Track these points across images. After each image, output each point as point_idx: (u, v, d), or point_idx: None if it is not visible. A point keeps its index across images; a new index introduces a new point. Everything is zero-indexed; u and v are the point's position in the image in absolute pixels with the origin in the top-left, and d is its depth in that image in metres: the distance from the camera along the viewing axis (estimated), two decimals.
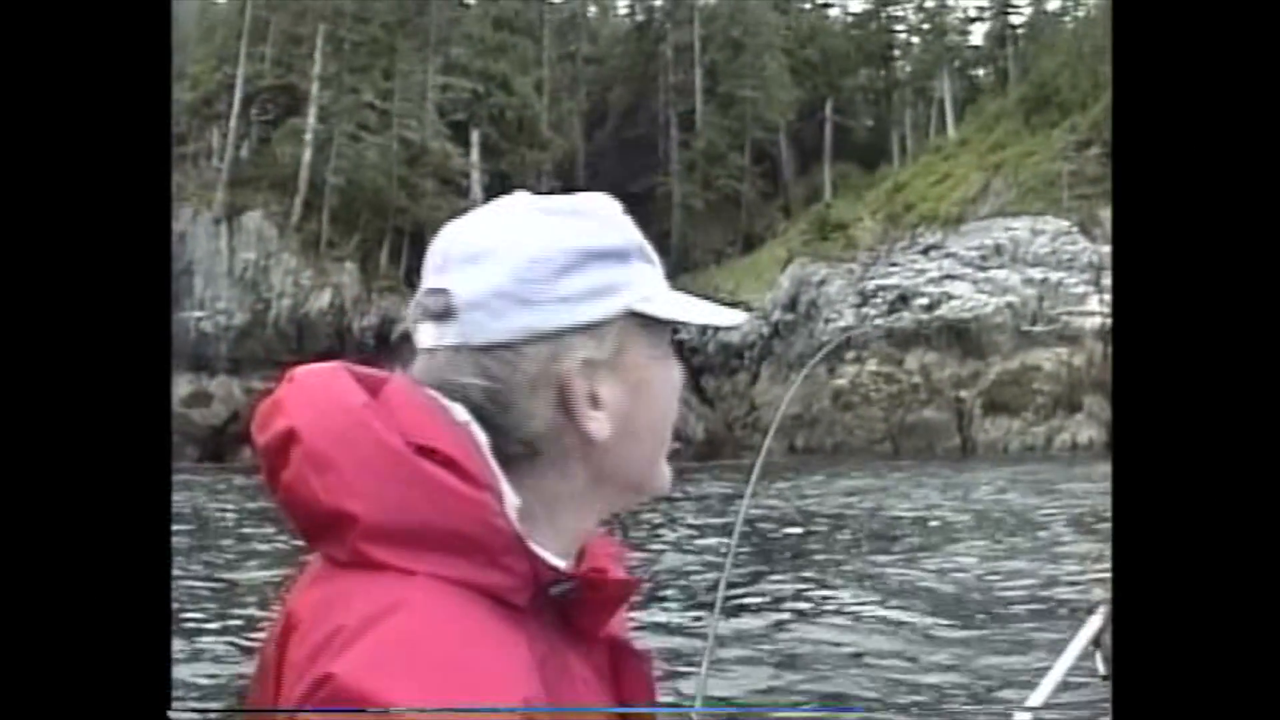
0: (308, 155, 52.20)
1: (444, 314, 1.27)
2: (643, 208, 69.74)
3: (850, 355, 51.28)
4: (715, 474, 38.15)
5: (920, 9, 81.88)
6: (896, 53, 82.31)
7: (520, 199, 1.32)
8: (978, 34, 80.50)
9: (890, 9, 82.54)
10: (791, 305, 55.54)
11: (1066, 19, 75.67)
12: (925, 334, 50.34)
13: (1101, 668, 2.72)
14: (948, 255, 52.28)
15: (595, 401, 1.28)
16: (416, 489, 1.18)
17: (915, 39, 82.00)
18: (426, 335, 1.28)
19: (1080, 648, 2.75)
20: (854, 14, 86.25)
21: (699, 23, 71.65)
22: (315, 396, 1.23)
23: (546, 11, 71.52)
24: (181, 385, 45.68)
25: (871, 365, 50.86)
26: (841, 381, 50.82)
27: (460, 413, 1.25)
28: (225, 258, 51.60)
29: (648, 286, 1.32)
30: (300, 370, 1.27)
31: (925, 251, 53.65)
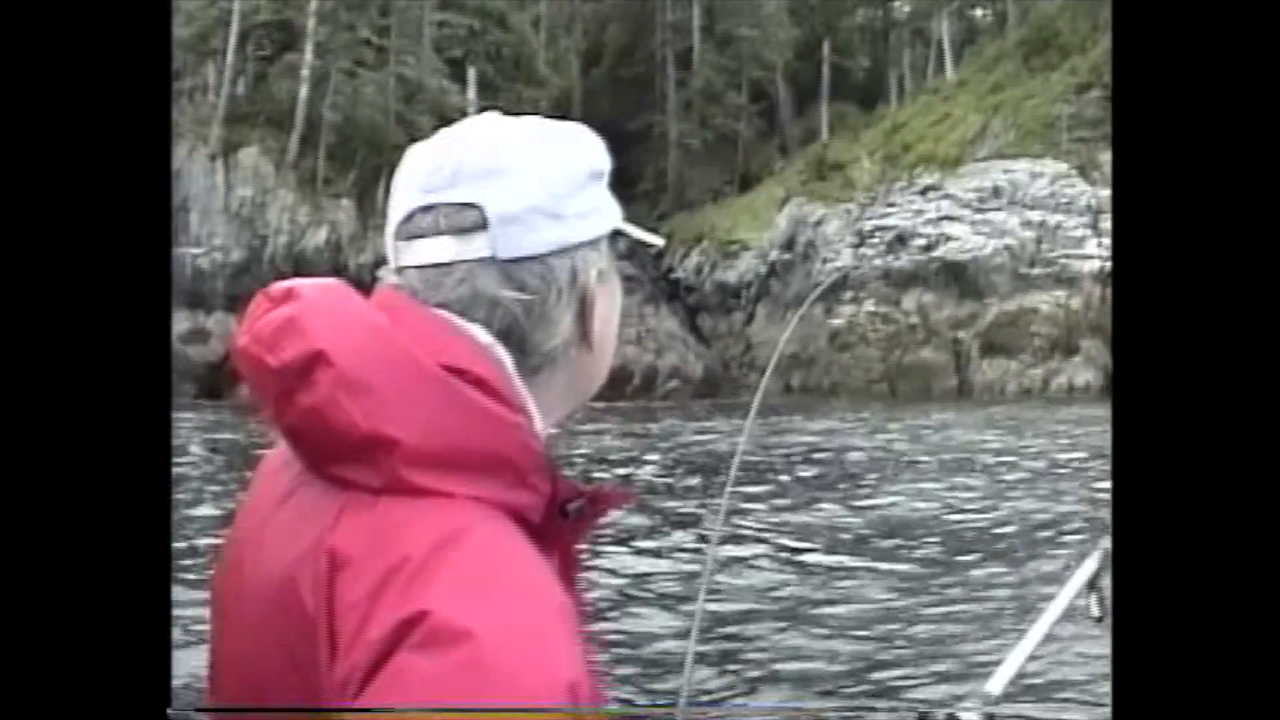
0: (304, 92, 51.94)
1: (472, 228, 1.29)
2: (639, 146, 69.81)
3: (848, 295, 51.47)
4: (709, 412, 38.41)
5: None
6: None
7: (502, 119, 1.38)
8: None
9: None
10: (788, 245, 55.56)
11: None
12: (923, 275, 50.46)
13: (1095, 610, 2.70)
14: (945, 196, 52.26)
15: (596, 313, 1.37)
16: (456, 412, 1.20)
17: None
18: (442, 249, 1.29)
19: (1076, 589, 2.71)
20: None
21: None
22: (337, 317, 1.24)
23: None
24: (179, 322, 45.72)
25: (869, 306, 51.01)
26: (838, 322, 50.97)
27: (481, 334, 1.28)
28: (221, 194, 51.41)
29: (615, 208, 1.41)
30: (303, 285, 1.28)
31: (923, 192, 53.56)
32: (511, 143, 1.34)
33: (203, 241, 50.52)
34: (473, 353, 1.26)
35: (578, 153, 1.38)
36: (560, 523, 1.28)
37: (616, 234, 1.42)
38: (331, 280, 1.30)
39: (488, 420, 1.21)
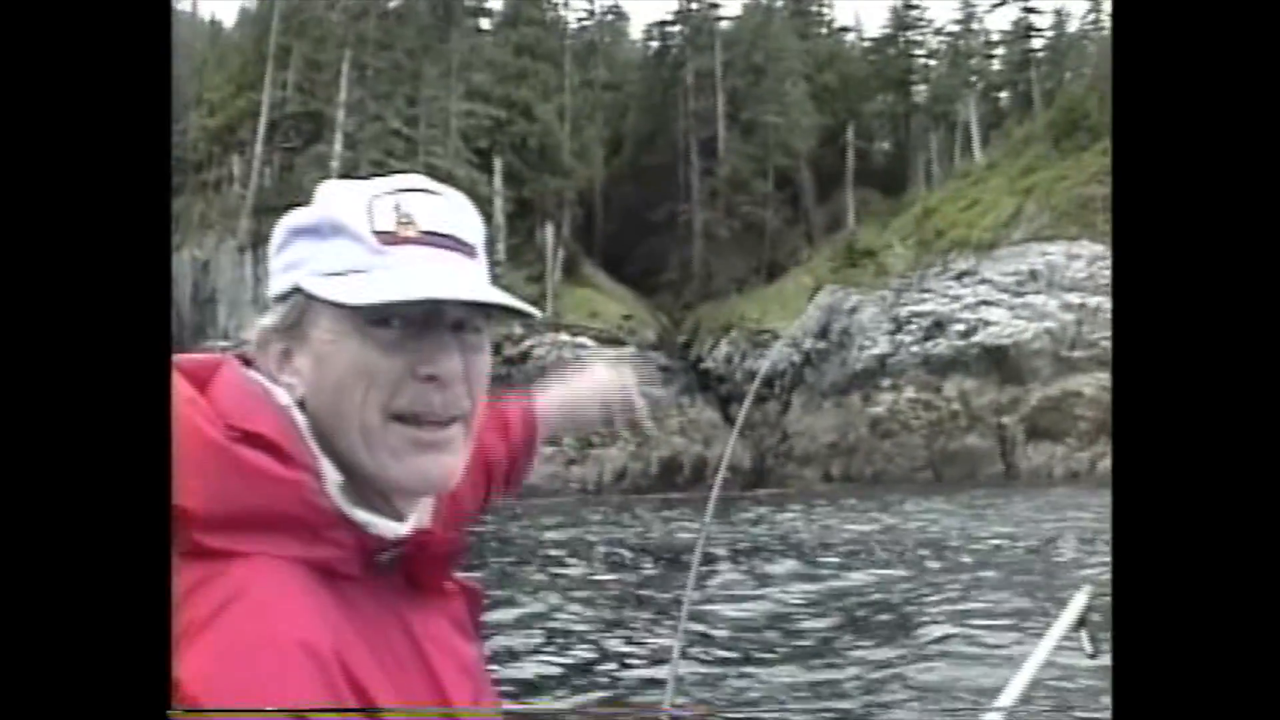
0: None
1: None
2: (663, 236, 70.48)
3: (886, 383, 52.01)
4: (748, 503, 38.68)
5: (939, 33, 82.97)
6: (915, 77, 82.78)
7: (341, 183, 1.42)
8: (999, 58, 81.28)
9: (908, 33, 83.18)
10: (823, 333, 55.98)
11: (1088, 42, 76.81)
12: (963, 360, 51.00)
13: (1088, 646, 2.72)
14: (982, 281, 52.89)
15: (286, 365, 1.34)
16: (237, 477, 1.22)
17: (934, 63, 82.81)
18: (270, 314, 1.37)
19: (1066, 627, 2.74)
20: (872, 39, 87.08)
21: (720, 48, 72.31)
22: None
23: (567, 38, 72.42)
24: None
25: (909, 392, 51.52)
26: (878, 409, 51.52)
27: (282, 395, 1.31)
28: (250, 286, 51.98)
29: (330, 264, 1.32)
30: (187, 360, 1.34)
31: (959, 277, 54.20)
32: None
33: (230, 334, 50.95)
34: (269, 416, 1.28)
35: (300, 213, 1.41)
36: (390, 572, 1.32)
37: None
38: (216, 355, 1.36)
39: (270, 482, 1.23)
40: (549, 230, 59.90)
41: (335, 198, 1.37)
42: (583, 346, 52.97)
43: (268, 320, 1.35)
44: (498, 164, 58.79)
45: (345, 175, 42.91)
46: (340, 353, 1.31)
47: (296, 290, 1.34)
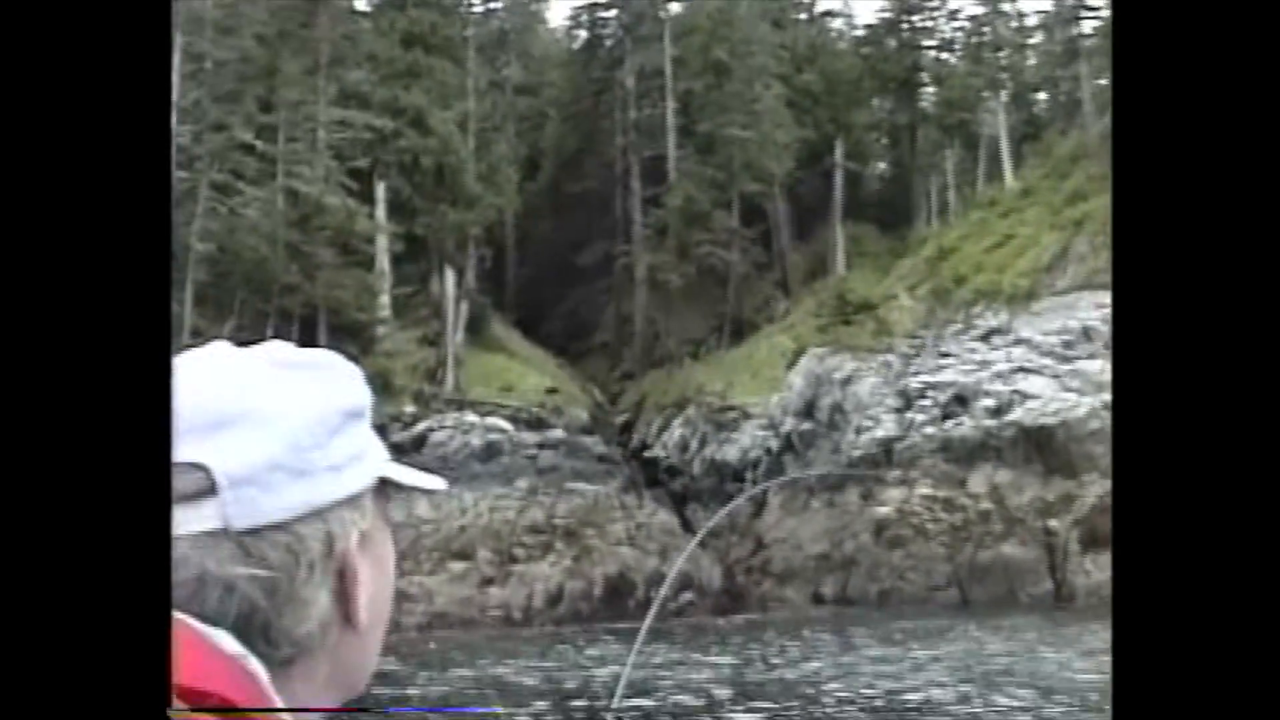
0: None
1: (198, 494, 1.35)
2: (595, 284, 70.15)
3: (894, 475, 51.97)
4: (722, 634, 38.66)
5: (954, 17, 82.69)
6: (923, 76, 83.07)
7: (228, 349, 1.47)
8: (1036, 48, 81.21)
9: (913, 19, 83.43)
10: (808, 410, 56.13)
11: None
12: (994, 446, 51.09)
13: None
14: (1018, 342, 53.09)
15: (360, 587, 1.44)
16: None
17: (948, 57, 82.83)
18: None
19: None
20: (867, 26, 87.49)
21: (669, 39, 72.51)
22: None
23: (470, 24, 72.33)
24: None
25: (924, 488, 51.51)
26: (884, 510, 51.39)
27: (229, 642, 1.34)
28: None
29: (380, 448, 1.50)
30: None
31: (986, 337, 54.62)
32: (244, 383, 1.42)
33: None
34: (221, 670, 1.33)
35: (329, 390, 1.47)
36: None
37: (384, 482, 1.51)
38: None
39: None
40: (448, 277, 59.70)
41: (346, 368, 1.52)
42: (495, 429, 52.67)
43: (355, 529, 1.46)
44: (380, 190, 58.68)
45: (179, 204, 42.16)
46: (387, 551, 1.54)
47: (373, 483, 1.51)
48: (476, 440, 51.96)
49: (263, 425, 1.38)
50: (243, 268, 52.32)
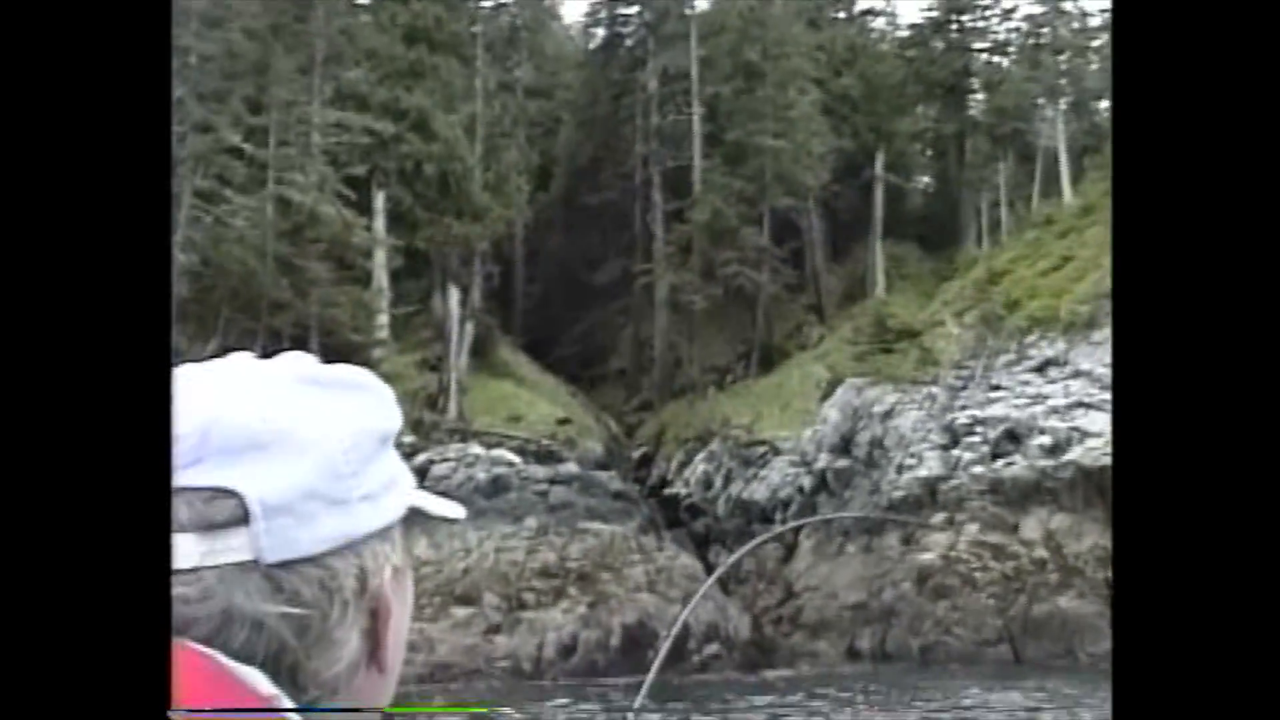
0: None
1: (228, 523, 1.34)
2: (611, 305, 70.37)
3: (939, 518, 51.59)
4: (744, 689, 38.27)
5: (1008, 16, 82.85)
6: (972, 81, 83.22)
7: (249, 361, 1.48)
8: (1099, 50, 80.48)
9: (963, 18, 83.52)
10: (844, 447, 55.94)
11: None
12: (1050, 488, 50.66)
13: None
14: (1076, 374, 52.83)
15: (390, 626, 1.46)
16: None
17: (1001, 60, 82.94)
18: (186, 551, 1.34)
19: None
20: (911, 26, 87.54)
21: (696, 40, 72.46)
22: None
23: (479, 21, 72.48)
24: None
25: (972, 532, 51.04)
26: (928, 557, 50.89)
27: (262, 682, 1.34)
28: None
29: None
30: None
31: (1042, 369, 54.37)
32: (273, 401, 1.41)
33: None
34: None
35: (364, 412, 1.47)
36: None
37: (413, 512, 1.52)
38: None
39: None
40: (451, 296, 59.88)
41: (367, 389, 1.53)
42: (502, 463, 52.40)
43: (389, 563, 1.49)
44: (379, 200, 58.78)
45: None
46: (409, 588, 1.58)
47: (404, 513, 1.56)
48: (481, 474, 51.69)
49: (298, 450, 1.38)
50: (229, 282, 52.53)
